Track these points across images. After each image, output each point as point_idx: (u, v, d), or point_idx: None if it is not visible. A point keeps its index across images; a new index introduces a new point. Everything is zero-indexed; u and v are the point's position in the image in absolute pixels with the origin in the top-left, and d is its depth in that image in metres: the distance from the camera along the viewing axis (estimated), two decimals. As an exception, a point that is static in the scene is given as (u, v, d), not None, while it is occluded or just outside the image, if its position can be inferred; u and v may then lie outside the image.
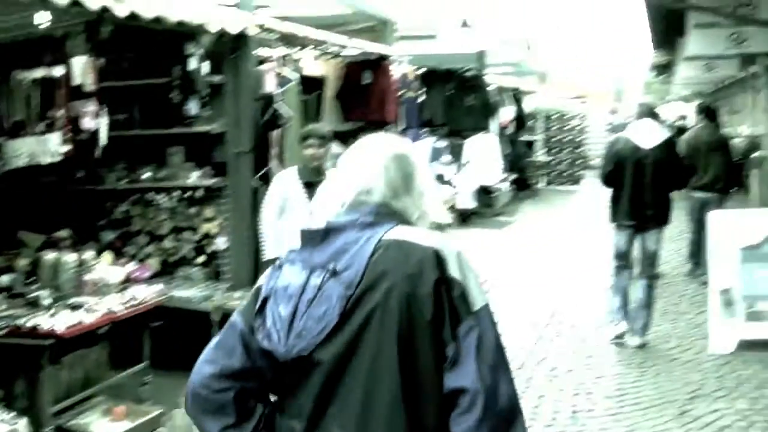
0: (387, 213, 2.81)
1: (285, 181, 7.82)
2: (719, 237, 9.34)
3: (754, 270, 9.16)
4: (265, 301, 2.76)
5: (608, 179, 9.55)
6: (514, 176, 22.54)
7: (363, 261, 2.67)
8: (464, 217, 18.71)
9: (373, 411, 2.63)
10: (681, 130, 23.75)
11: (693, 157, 12.47)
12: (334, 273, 2.69)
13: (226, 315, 8.17)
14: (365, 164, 2.88)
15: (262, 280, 2.87)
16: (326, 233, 2.79)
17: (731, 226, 9.42)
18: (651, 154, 9.28)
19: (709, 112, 13.82)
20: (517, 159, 23.33)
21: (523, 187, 24.67)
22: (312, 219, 2.94)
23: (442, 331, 2.63)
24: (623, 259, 9.65)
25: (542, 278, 13.09)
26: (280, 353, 2.70)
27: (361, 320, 2.64)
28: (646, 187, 9.33)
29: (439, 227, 2.90)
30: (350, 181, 2.87)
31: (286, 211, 7.73)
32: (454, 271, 2.67)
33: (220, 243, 9.02)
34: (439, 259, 2.67)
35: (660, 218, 9.45)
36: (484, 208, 20.05)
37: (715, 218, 9.57)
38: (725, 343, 8.96)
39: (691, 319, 10.49)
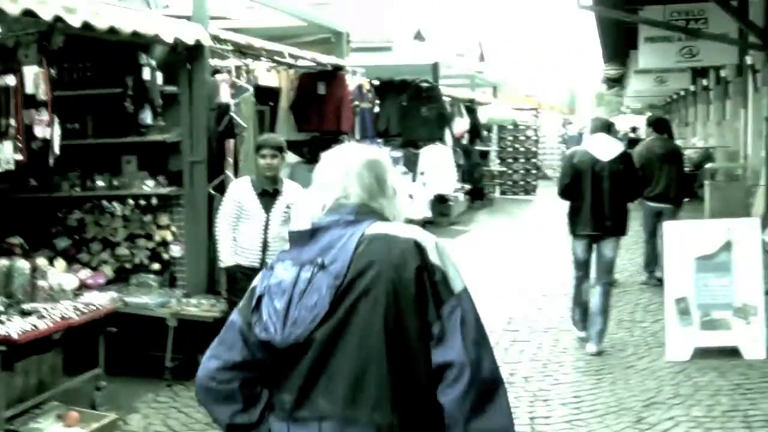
0: (366, 212, 3.10)
1: (240, 190, 7.81)
2: (674, 247, 9.46)
3: (708, 279, 9.30)
4: (260, 299, 3.08)
5: (566, 191, 9.65)
6: (468, 186, 22.60)
7: (348, 254, 2.97)
8: (420, 227, 18.70)
9: (361, 385, 2.91)
10: (632, 142, 23.96)
11: (646, 167, 12.61)
12: (323, 266, 2.98)
13: (182, 321, 8.18)
14: (341, 171, 3.15)
15: (256, 281, 3.18)
16: (313, 233, 3.07)
17: (686, 236, 9.55)
18: (608, 167, 9.42)
19: (661, 124, 13.94)
20: (471, 169, 23.42)
21: (477, 196, 24.76)
22: (296, 223, 3.22)
23: (426, 312, 2.92)
24: (583, 267, 9.77)
25: (498, 286, 13.12)
26: (278, 342, 2.99)
27: (350, 306, 2.93)
28: (604, 198, 9.43)
29: (410, 222, 3.19)
30: (329, 186, 3.15)
31: (240, 220, 7.71)
32: (434, 258, 2.96)
33: (176, 250, 9.00)
34: (419, 248, 2.96)
35: (618, 228, 9.57)
36: (439, 217, 20.11)
37: (670, 229, 9.70)
38: (681, 351, 9.09)
39: (646, 327, 10.56)
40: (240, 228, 7.71)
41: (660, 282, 12.53)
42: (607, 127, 10.00)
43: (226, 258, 7.70)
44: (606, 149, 9.55)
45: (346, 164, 3.18)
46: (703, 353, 9.07)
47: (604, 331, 9.63)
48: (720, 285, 9.30)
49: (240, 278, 7.63)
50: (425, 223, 18.62)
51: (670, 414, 7.49)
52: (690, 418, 7.38)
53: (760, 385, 8.13)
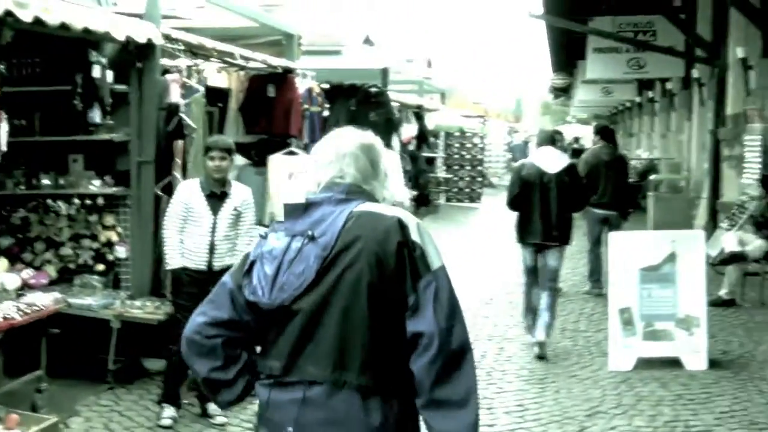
0: (357, 192, 3.39)
1: (187, 192, 7.73)
2: (619, 258, 9.55)
3: (652, 290, 9.41)
4: (252, 264, 3.35)
5: (515, 202, 9.95)
6: (414, 192, 22.61)
7: (337, 228, 3.27)
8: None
9: (347, 351, 3.20)
10: (576, 152, 24.14)
11: (592, 175, 12.76)
12: (312, 238, 3.27)
13: (125, 323, 8.08)
14: (339, 152, 3.45)
15: (249, 248, 3.49)
16: (306, 207, 3.36)
17: (631, 247, 9.64)
18: (555, 179, 9.79)
19: (607, 133, 14.13)
20: (418, 175, 23.42)
21: (423, 203, 24.78)
22: (292, 197, 3.45)
23: (404, 285, 3.21)
24: (532, 274, 10.11)
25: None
26: (265, 303, 3.28)
27: (336, 276, 3.23)
28: (551, 209, 9.75)
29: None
30: (326, 165, 3.44)
31: (188, 222, 7.63)
32: (414, 236, 3.27)
33: (121, 251, 8.89)
34: (402, 226, 3.26)
35: (563, 238, 9.89)
36: (385, 223, 20.10)
37: (615, 239, 9.79)
38: (624, 361, 9.17)
39: (589, 336, 10.64)
40: (187, 230, 7.63)
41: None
42: (552, 140, 10.39)
43: (173, 260, 7.62)
44: (552, 162, 9.92)
45: (344, 146, 3.48)
46: (645, 363, 9.16)
47: (551, 324, 9.98)
48: (663, 296, 9.40)
49: (186, 281, 7.56)
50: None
51: (613, 424, 7.56)
52: (632, 428, 7.45)
53: (701, 396, 8.23)
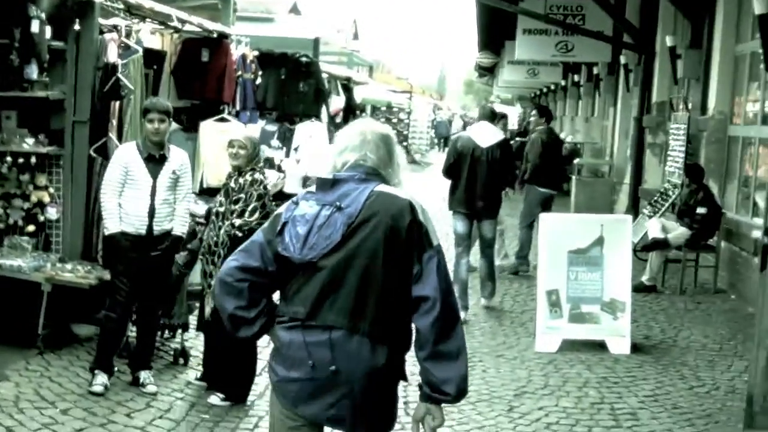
0: (375, 174, 4.09)
1: (126, 155, 7.63)
2: (548, 239, 9.67)
3: (579, 273, 9.54)
4: (284, 225, 3.99)
5: (449, 172, 10.66)
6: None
7: (361, 202, 3.96)
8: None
9: (362, 304, 3.89)
10: (523, 134, 24.45)
11: (541, 154, 13.45)
12: (339, 208, 3.96)
13: (57, 287, 7.96)
14: (363, 139, 4.13)
15: (281, 209, 4.10)
16: (334, 182, 4.03)
17: (560, 229, 9.77)
18: (486, 152, 10.46)
19: (548, 114, 14.45)
20: (344, 148, 23.43)
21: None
22: (328, 171, 4.12)
23: (411, 255, 3.91)
24: (462, 242, 10.68)
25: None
26: (296, 258, 3.95)
27: (358, 241, 3.92)
28: (478, 181, 10.43)
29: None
30: (352, 149, 4.11)
31: (126, 186, 7.53)
32: (421, 217, 3.97)
33: (52, 213, 8.74)
34: (412, 207, 3.98)
35: (490, 211, 10.69)
36: (310, 194, 20.06)
37: (545, 221, 9.90)
38: (550, 343, 9.31)
39: (515, 317, 10.77)
40: (126, 194, 7.52)
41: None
42: (492, 116, 11.20)
43: (112, 225, 7.50)
44: (487, 136, 10.59)
45: (368, 134, 4.16)
46: (570, 345, 9.31)
47: (493, 291, 11.10)
48: (590, 279, 9.54)
49: (125, 246, 7.48)
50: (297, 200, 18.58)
51: (541, 404, 7.68)
52: (559, 408, 7.58)
53: (625, 379, 8.39)
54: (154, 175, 7.57)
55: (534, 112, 15.25)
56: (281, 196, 13.70)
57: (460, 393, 3.94)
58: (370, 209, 3.94)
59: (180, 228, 7.75)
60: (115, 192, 7.53)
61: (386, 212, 3.93)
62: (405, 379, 4.11)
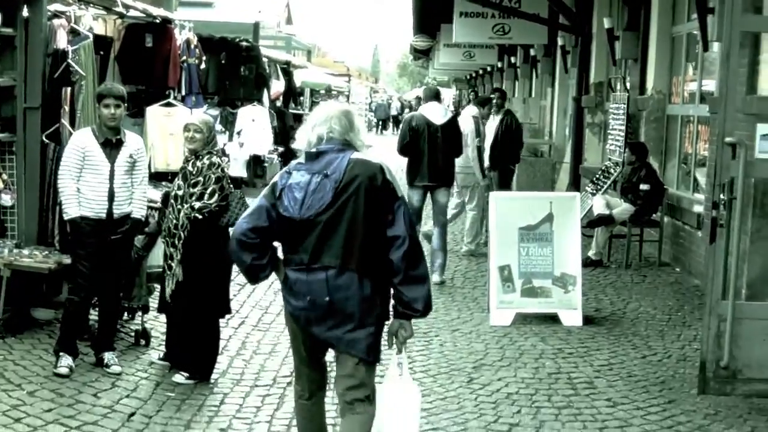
0: (347, 143, 5.18)
1: (82, 141, 7.65)
2: (499, 217, 9.86)
3: (530, 249, 9.75)
4: (281, 192, 5.09)
5: (404, 149, 11.50)
6: (282, 149, 22.60)
7: (342, 168, 5.06)
8: (235, 186, 18.63)
9: (350, 248, 5.02)
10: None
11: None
12: (326, 175, 5.05)
13: (16, 273, 7.96)
14: (327, 116, 5.22)
15: (276, 178, 5.19)
16: (318, 154, 5.12)
17: (511, 207, 9.97)
18: (440, 129, 11.41)
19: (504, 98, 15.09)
20: (285, 132, 23.40)
21: (289, 159, 24.80)
22: (304, 146, 5.20)
23: (384, 206, 5.05)
24: (418, 215, 11.54)
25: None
26: (296, 218, 5.05)
27: (344, 200, 5.02)
28: (438, 154, 11.30)
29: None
30: (321, 125, 5.18)
31: (84, 171, 7.56)
32: (389, 176, 5.11)
33: (6, 199, 8.70)
34: (382, 169, 5.10)
35: (448, 179, 11.62)
36: (254, 178, 20.07)
37: (496, 199, 10.08)
38: (503, 317, 9.50)
39: (467, 293, 10.96)
40: (84, 179, 7.55)
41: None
42: (437, 96, 12.28)
43: (71, 210, 7.52)
44: (438, 114, 11.62)
45: (330, 111, 5.25)
46: (523, 319, 9.52)
47: (444, 264, 11.53)
48: (541, 255, 9.76)
49: (86, 230, 7.51)
50: (241, 183, 18.60)
51: (499, 375, 7.86)
52: (518, 379, 7.77)
53: (580, 350, 8.62)
54: (112, 159, 7.62)
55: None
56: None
57: (426, 308, 5.13)
58: (351, 173, 5.04)
59: (139, 211, 7.81)
60: (72, 177, 7.56)
61: (364, 175, 5.04)
62: (388, 317, 5.17)
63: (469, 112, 13.84)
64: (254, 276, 5.28)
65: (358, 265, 5.02)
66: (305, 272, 5.07)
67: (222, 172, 7.47)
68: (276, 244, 5.23)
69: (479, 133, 13.29)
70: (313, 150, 5.10)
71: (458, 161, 13.26)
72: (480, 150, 13.22)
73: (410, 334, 5.17)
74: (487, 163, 13.85)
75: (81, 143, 7.64)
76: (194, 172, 7.45)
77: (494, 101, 14.77)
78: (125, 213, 7.66)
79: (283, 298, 5.26)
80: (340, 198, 5.00)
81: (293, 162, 5.24)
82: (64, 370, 7.33)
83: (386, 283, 5.09)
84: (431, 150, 11.24)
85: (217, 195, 7.37)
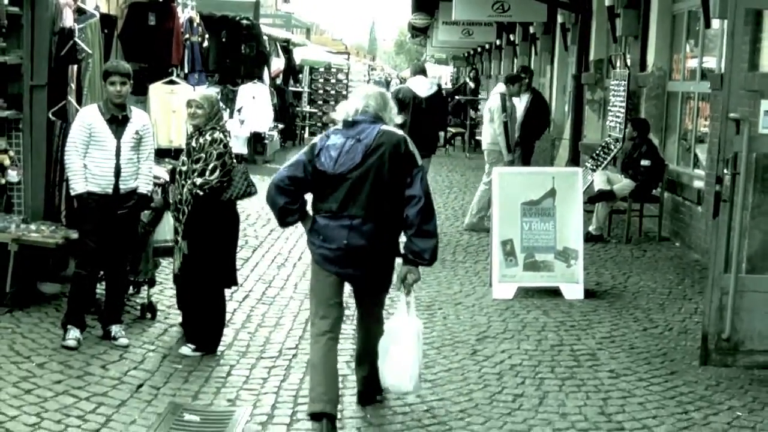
0: (379, 118, 6.21)
1: (89, 117, 7.73)
2: (502, 192, 9.94)
3: (532, 224, 9.83)
4: (320, 150, 6.05)
5: None
6: (281, 126, 22.68)
7: (372, 136, 6.05)
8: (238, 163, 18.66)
9: (374, 202, 5.97)
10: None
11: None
12: (359, 140, 6.04)
13: (24, 247, 8.04)
14: (367, 94, 6.31)
15: (316, 139, 6.22)
16: (353, 123, 6.13)
17: (513, 182, 10.05)
18: (425, 101, 12.40)
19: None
20: (285, 109, 23.46)
21: (289, 137, 24.85)
22: (342, 116, 6.21)
23: (404, 171, 6.01)
24: None
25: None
26: (329, 172, 6.00)
27: (371, 162, 5.98)
28: (422, 124, 12.02)
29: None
30: (359, 101, 6.23)
31: (90, 147, 7.64)
32: (411, 147, 6.10)
33: (13, 176, 8.75)
34: (405, 140, 6.10)
35: (431, 148, 12.65)
36: (255, 155, 20.12)
37: (499, 175, 10.15)
38: (505, 290, 9.59)
39: (469, 267, 11.03)
40: (91, 155, 7.62)
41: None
42: (424, 71, 13.49)
43: (78, 185, 7.60)
44: (424, 87, 12.65)
45: (369, 91, 6.37)
46: (525, 293, 9.61)
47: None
48: (543, 229, 9.83)
49: (92, 206, 7.61)
50: (241, 160, 18.64)
51: (502, 347, 7.96)
52: (521, 350, 7.87)
53: (582, 323, 8.71)
54: (118, 135, 7.69)
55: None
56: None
57: (433, 258, 6.09)
58: (379, 141, 6.02)
59: (145, 186, 7.89)
60: (79, 153, 7.64)
61: (390, 143, 6.03)
62: (399, 255, 6.18)
63: (498, 89, 14.14)
64: (284, 218, 6.15)
65: (378, 217, 5.97)
66: (333, 219, 5.99)
67: (224, 148, 7.52)
68: (307, 197, 6.16)
69: (505, 109, 13.48)
70: (350, 119, 6.11)
71: (485, 137, 13.70)
72: (506, 126, 13.39)
73: (418, 278, 6.20)
74: (516, 137, 14.00)
75: (87, 120, 7.71)
76: (197, 148, 7.52)
77: (524, 79, 14.76)
78: (131, 188, 7.74)
79: (311, 243, 6.16)
80: (368, 160, 5.96)
81: (331, 128, 6.30)
82: (72, 343, 7.42)
83: (397, 234, 6.13)
84: (415, 120, 11.88)
85: (218, 171, 7.43)
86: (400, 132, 6.17)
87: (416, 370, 6.23)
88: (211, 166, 7.43)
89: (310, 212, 6.18)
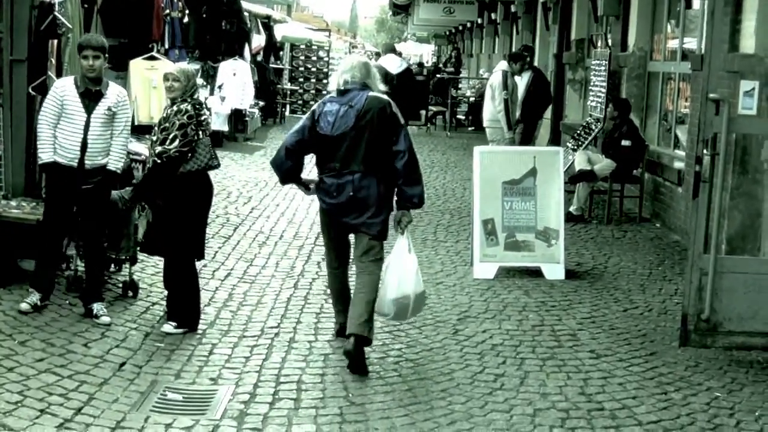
0: (365, 85, 7.13)
1: (62, 89, 7.74)
2: (483, 171, 9.94)
3: (514, 203, 9.85)
4: (319, 116, 7.04)
5: None
6: (262, 103, 22.59)
7: (362, 102, 6.98)
8: (216, 140, 18.58)
9: (369, 157, 6.94)
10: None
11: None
12: (351, 106, 6.98)
13: (4, 224, 8.01)
14: (352, 65, 7.24)
15: (315, 107, 7.24)
16: (345, 91, 7.08)
17: (495, 161, 10.06)
18: (396, 78, 13.45)
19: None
20: (265, 86, 23.37)
21: (270, 114, 24.76)
22: (334, 86, 7.24)
23: (391, 130, 6.97)
24: None
25: (303, 201, 13.30)
26: (329, 134, 6.96)
27: (363, 123, 6.92)
28: (394, 99, 11.74)
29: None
30: (346, 71, 7.17)
31: (62, 119, 7.64)
32: (395, 109, 7.07)
33: (-8, 148, 8.70)
34: (389, 104, 7.04)
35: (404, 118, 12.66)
36: (236, 132, 20.04)
37: (480, 154, 10.14)
38: (487, 270, 9.61)
39: (450, 246, 11.04)
40: (61, 126, 7.63)
41: None
42: (394, 49, 15.15)
43: (44, 155, 7.68)
44: (394, 65, 13.93)
45: (353, 61, 7.31)
46: (507, 273, 9.64)
47: None
48: (524, 209, 9.85)
49: (55, 175, 7.71)
50: (222, 137, 18.58)
51: (484, 327, 7.99)
52: (502, 330, 7.90)
53: (562, 303, 8.75)
54: (89, 110, 7.67)
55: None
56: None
57: (421, 201, 7.17)
58: (368, 105, 6.97)
59: (114, 163, 7.82)
60: (49, 123, 7.66)
61: (377, 107, 6.98)
62: (392, 208, 7.21)
63: (500, 66, 14.33)
64: (286, 176, 7.29)
65: (376, 171, 6.96)
66: (338, 177, 6.98)
67: (188, 119, 7.43)
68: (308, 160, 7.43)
69: (506, 86, 13.55)
70: (342, 88, 7.08)
71: (486, 115, 13.81)
72: (507, 103, 13.48)
73: (410, 220, 7.18)
74: (517, 115, 14.16)
75: (60, 91, 7.72)
76: (165, 118, 7.54)
77: (525, 57, 14.96)
78: (100, 164, 7.71)
79: (319, 198, 7.22)
80: (360, 122, 6.91)
81: (326, 96, 7.36)
82: (24, 306, 7.56)
83: (393, 185, 7.07)
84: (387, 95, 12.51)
85: (178, 141, 7.39)
86: (385, 97, 7.11)
87: (410, 295, 7.08)
88: (171, 135, 7.41)
89: (307, 176, 7.57)
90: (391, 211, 7.22)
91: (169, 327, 7.59)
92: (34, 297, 7.64)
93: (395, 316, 7.23)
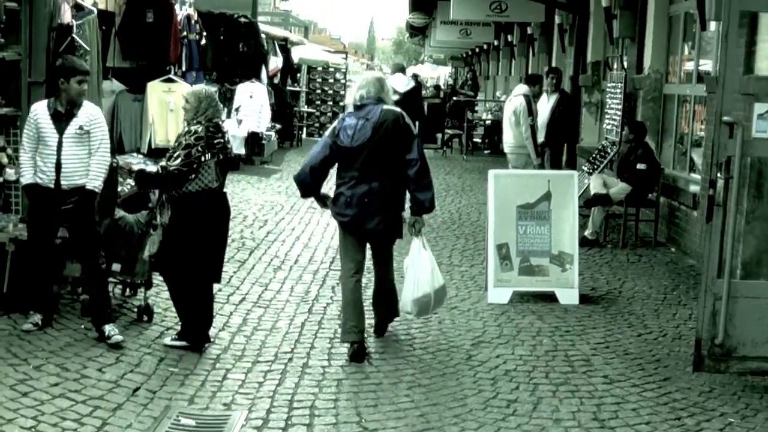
0: (380, 99, 7.75)
1: (36, 112, 7.92)
2: (497, 195, 9.94)
3: (528, 227, 9.85)
4: (339, 131, 7.69)
5: None
6: (279, 126, 22.66)
7: (377, 115, 7.62)
8: (232, 164, 18.61)
9: (385, 167, 7.63)
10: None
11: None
12: (367, 119, 7.61)
13: (20, 247, 8.05)
14: (367, 81, 7.85)
15: (335, 123, 7.92)
16: (361, 106, 7.72)
17: (509, 185, 10.05)
18: (403, 96, 13.55)
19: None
20: (282, 109, 23.44)
21: (287, 137, 24.82)
22: (351, 102, 7.96)
23: (404, 141, 7.65)
24: None
25: (319, 224, 13.34)
26: (348, 147, 7.61)
27: (379, 136, 7.57)
28: None
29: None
30: (362, 88, 7.77)
31: (39, 141, 7.81)
32: (408, 120, 7.76)
33: (11, 174, 8.78)
34: (402, 115, 7.72)
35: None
36: (252, 155, 20.09)
37: (494, 178, 10.15)
38: (501, 295, 9.60)
39: (464, 271, 11.03)
40: (39, 149, 7.81)
41: None
42: (402, 69, 15.78)
43: (24, 177, 7.90)
44: (401, 83, 14.28)
45: (368, 78, 7.94)
46: (521, 297, 9.63)
47: None
48: (539, 233, 9.85)
49: (36, 197, 7.86)
50: (239, 161, 18.62)
51: (497, 352, 7.97)
52: (516, 356, 7.89)
53: (576, 328, 8.74)
54: (60, 130, 7.78)
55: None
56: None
57: (431, 206, 7.82)
58: (383, 118, 7.58)
59: (92, 182, 7.87)
60: (25, 148, 7.89)
61: (391, 119, 7.60)
62: (403, 208, 7.95)
63: (519, 90, 14.08)
64: (308, 191, 7.95)
65: (390, 179, 7.63)
66: (356, 186, 7.60)
67: (195, 140, 7.49)
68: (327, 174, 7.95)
69: (531, 112, 13.48)
70: (358, 103, 7.72)
71: (509, 141, 13.69)
72: (533, 129, 13.40)
73: (422, 224, 7.90)
74: (541, 140, 14.12)
75: (33, 114, 7.92)
76: (177, 137, 7.86)
77: (552, 79, 15.13)
78: (77, 185, 7.81)
79: (337, 213, 7.76)
80: (377, 134, 7.54)
81: (346, 112, 8.18)
82: (27, 326, 7.73)
83: (404, 191, 7.78)
84: None
85: (180, 159, 7.47)
86: (398, 109, 7.79)
87: (429, 292, 7.86)
88: (176, 154, 7.50)
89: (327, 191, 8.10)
90: (402, 210, 7.96)
91: (168, 339, 7.81)
92: (36, 317, 7.80)
93: (419, 312, 8.08)
